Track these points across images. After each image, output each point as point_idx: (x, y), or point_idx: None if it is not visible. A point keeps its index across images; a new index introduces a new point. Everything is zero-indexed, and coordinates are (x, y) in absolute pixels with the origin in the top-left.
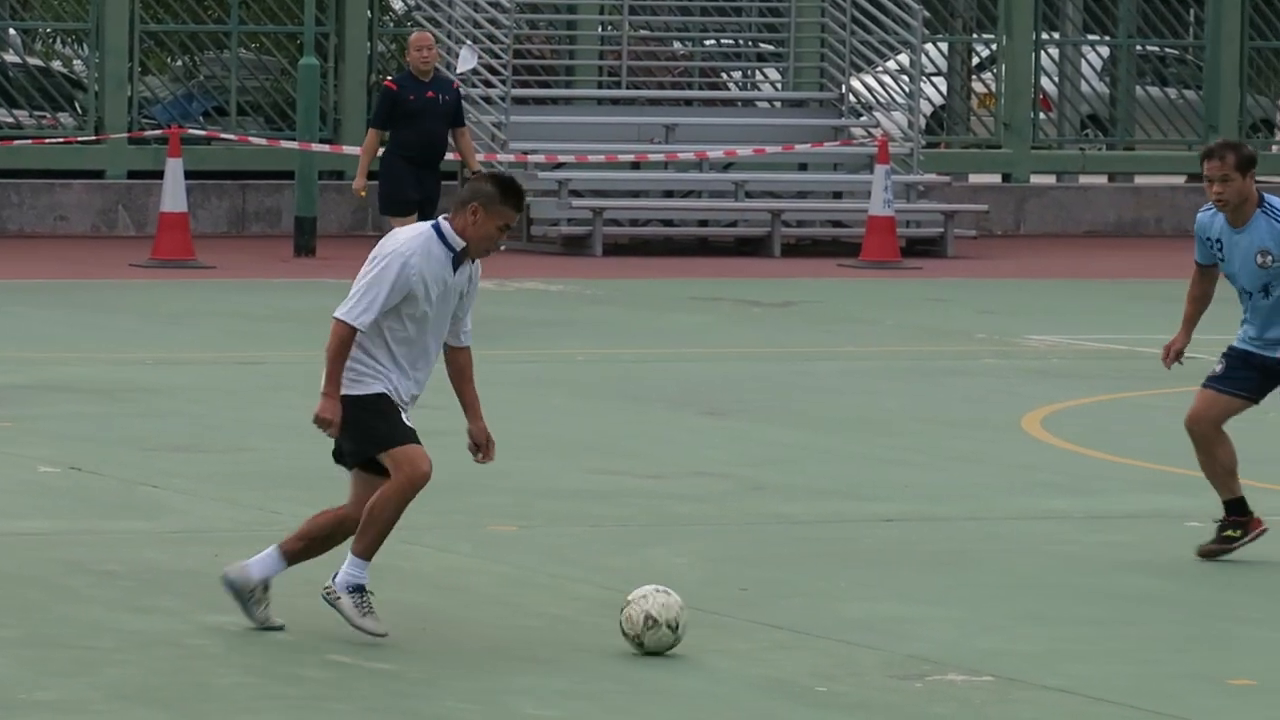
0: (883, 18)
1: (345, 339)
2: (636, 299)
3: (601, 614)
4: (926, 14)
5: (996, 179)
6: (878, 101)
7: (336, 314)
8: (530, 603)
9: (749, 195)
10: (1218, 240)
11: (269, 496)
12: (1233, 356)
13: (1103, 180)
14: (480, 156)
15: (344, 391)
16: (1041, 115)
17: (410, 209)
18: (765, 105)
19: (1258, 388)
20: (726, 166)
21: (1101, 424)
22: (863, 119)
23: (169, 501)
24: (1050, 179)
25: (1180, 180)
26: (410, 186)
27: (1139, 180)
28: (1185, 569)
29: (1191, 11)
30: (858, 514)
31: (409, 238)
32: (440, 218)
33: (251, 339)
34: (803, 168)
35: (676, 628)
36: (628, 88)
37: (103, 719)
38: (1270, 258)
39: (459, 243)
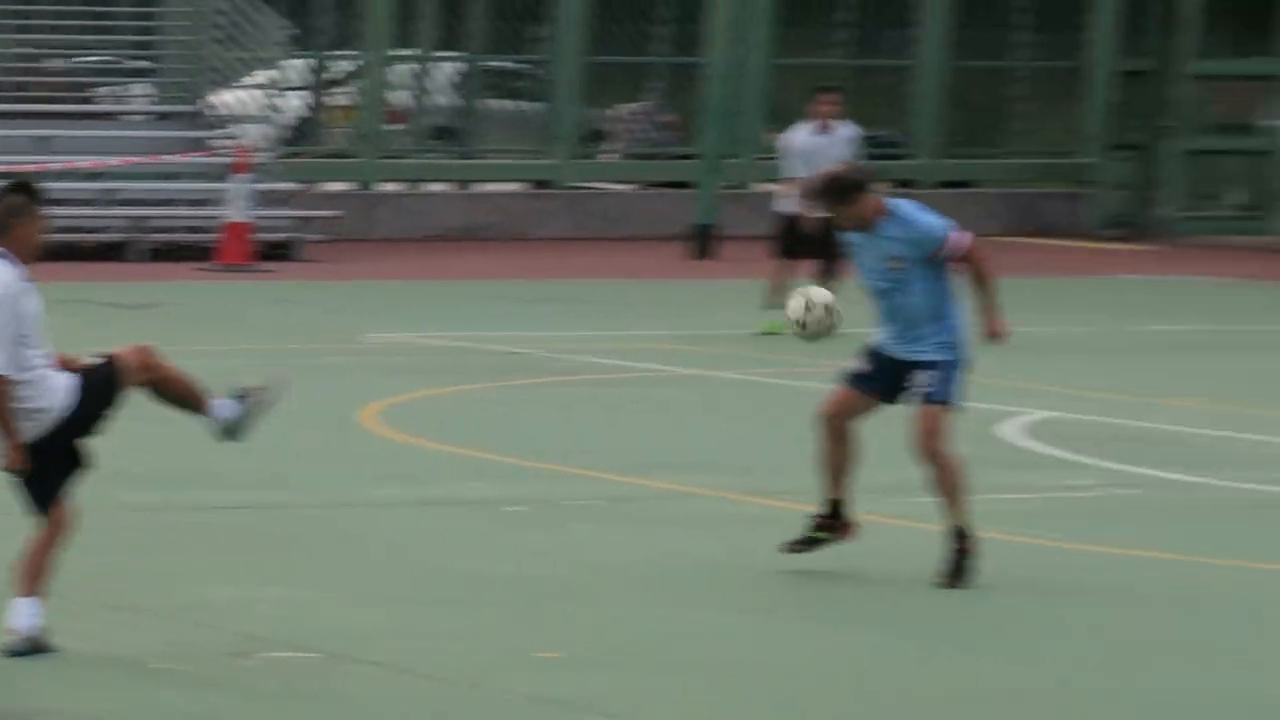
0: (248, 35)
1: (6, 390)
2: None
3: None
4: (290, 31)
5: (351, 186)
6: (241, 114)
7: None
8: None
9: (116, 203)
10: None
11: None
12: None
13: (450, 187)
14: None
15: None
16: (395, 126)
17: None
18: (135, 118)
19: (889, 387)
20: (95, 176)
21: (436, 416)
22: (225, 130)
23: None
24: (401, 186)
25: (519, 187)
26: None
27: (483, 187)
28: (503, 552)
29: (536, 28)
30: (202, 501)
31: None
32: None
33: None
34: (167, 177)
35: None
36: (1, 102)
37: None
38: (899, 262)
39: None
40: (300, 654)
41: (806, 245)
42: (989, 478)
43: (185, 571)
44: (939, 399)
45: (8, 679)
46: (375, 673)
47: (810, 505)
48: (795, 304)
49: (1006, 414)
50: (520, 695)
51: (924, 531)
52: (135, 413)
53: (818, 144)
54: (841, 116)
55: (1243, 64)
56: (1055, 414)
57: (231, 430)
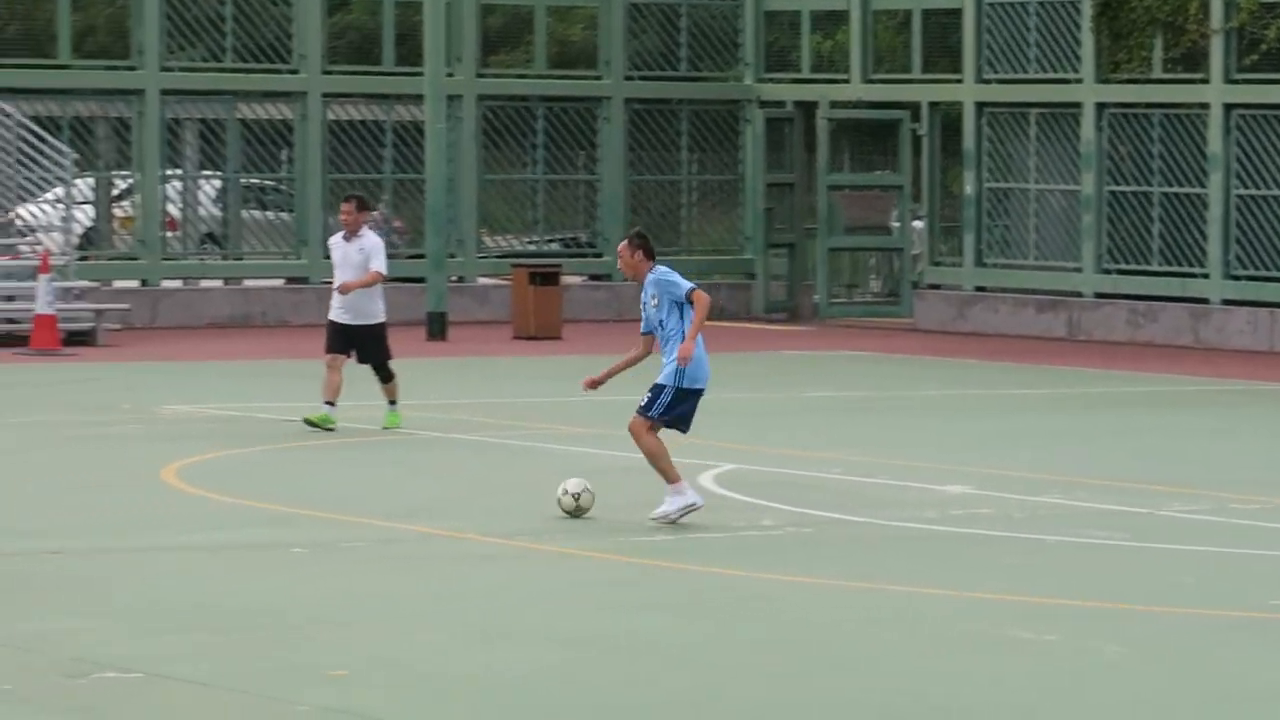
0: (40, 158)
1: None
2: None
3: None
4: (76, 155)
5: (136, 284)
6: (40, 224)
7: None
8: None
9: None
10: None
11: None
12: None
13: (220, 283)
14: None
15: None
16: (168, 234)
17: None
18: None
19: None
20: None
21: (225, 473)
22: (28, 238)
23: None
24: (178, 283)
25: (280, 282)
26: None
27: (247, 283)
28: (290, 587)
29: (284, 151)
30: (27, 549)
31: None
32: None
33: None
34: None
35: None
36: None
37: None
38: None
39: None
40: (124, 674)
41: (347, 345)
42: (694, 519)
43: (18, 608)
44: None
45: None
46: (189, 689)
47: (543, 544)
48: (564, 500)
49: (704, 466)
50: (313, 706)
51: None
52: None
53: (343, 250)
54: (357, 225)
55: (869, 177)
56: (740, 466)
57: None
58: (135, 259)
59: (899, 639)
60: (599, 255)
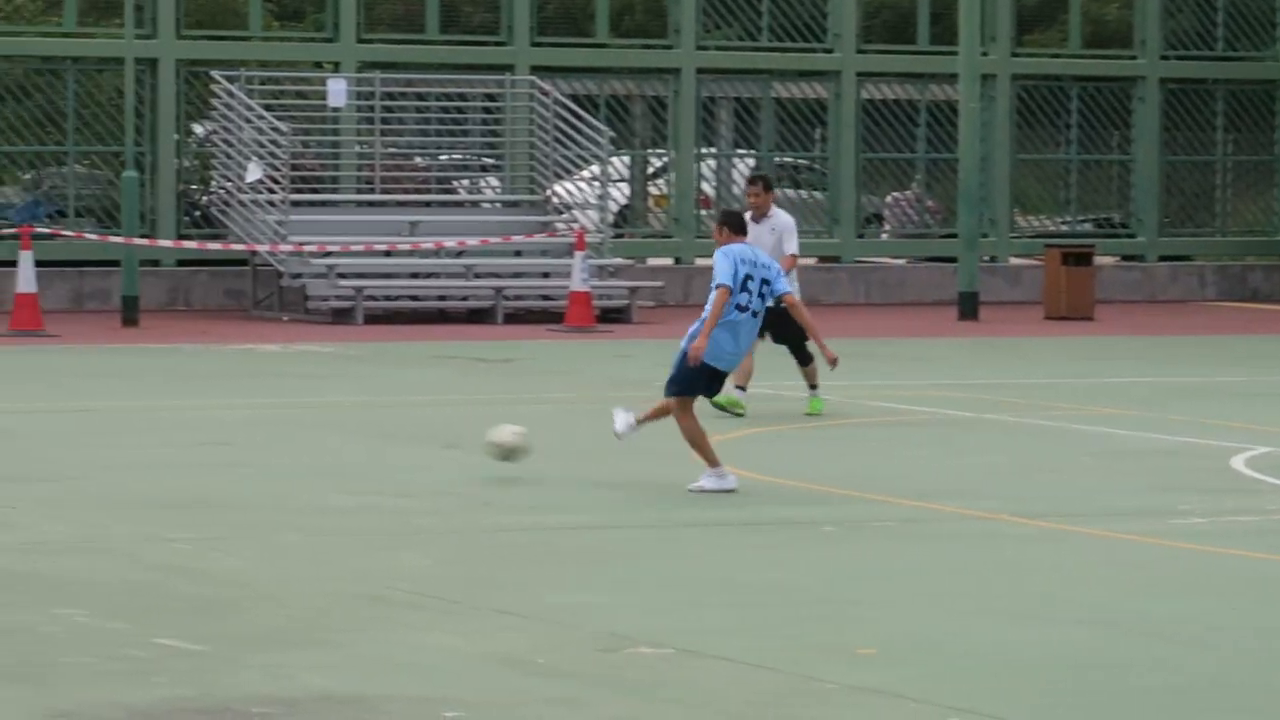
0: (577, 136)
1: None
2: (390, 358)
3: (357, 604)
4: (612, 134)
5: (669, 262)
6: (576, 202)
7: None
8: (306, 595)
9: (477, 276)
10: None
11: (93, 515)
12: None
13: None
14: (265, 247)
15: None
16: (703, 212)
17: None
18: (488, 205)
19: None
20: (459, 254)
21: (759, 452)
22: (564, 215)
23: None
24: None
25: (812, 261)
26: None
27: None
28: (819, 564)
29: (817, 130)
30: (558, 524)
31: None
32: None
33: (86, 393)
34: (518, 254)
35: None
36: (380, 193)
37: None
38: None
39: None
40: (657, 649)
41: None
42: (1227, 503)
43: (551, 581)
44: None
45: (418, 674)
46: (721, 665)
47: (1074, 526)
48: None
49: (1236, 449)
50: (843, 685)
51: (1157, 547)
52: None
53: (755, 232)
54: (766, 206)
55: None
56: (1274, 449)
57: None
58: (669, 237)
59: None
60: (1132, 236)
